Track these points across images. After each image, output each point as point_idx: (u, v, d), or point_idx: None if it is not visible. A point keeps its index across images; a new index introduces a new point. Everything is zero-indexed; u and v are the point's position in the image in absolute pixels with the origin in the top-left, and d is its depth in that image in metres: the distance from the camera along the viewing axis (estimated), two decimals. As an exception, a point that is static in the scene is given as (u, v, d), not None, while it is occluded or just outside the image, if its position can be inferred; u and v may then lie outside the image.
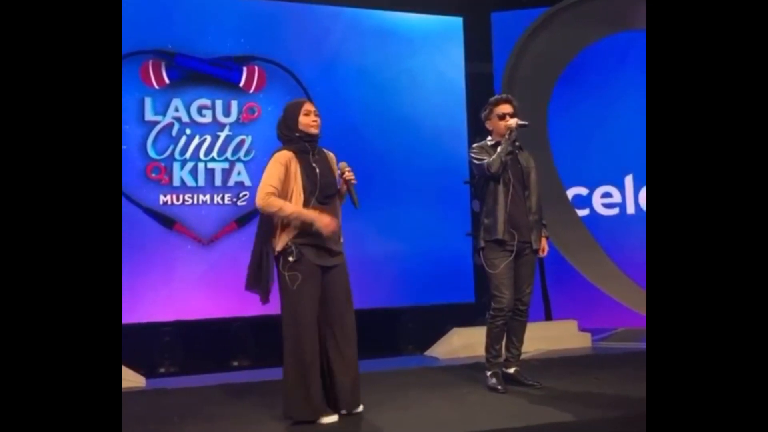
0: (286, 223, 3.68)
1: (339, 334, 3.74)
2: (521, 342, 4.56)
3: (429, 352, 6.23)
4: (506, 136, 4.38)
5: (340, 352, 3.73)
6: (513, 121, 4.40)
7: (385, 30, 7.23)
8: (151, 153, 6.29)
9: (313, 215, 3.63)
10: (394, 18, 7.29)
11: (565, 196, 7.28)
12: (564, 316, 6.83)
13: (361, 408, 3.82)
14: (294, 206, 3.64)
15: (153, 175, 6.28)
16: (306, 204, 3.68)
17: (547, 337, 6.09)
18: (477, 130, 6.98)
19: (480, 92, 7.21)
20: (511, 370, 4.51)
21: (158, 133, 6.33)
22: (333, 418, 3.66)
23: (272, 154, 3.80)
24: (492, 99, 4.61)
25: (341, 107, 6.89)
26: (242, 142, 6.57)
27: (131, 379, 5.12)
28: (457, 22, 7.47)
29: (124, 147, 6.13)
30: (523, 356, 4.68)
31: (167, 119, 6.36)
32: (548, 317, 7.08)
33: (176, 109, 6.40)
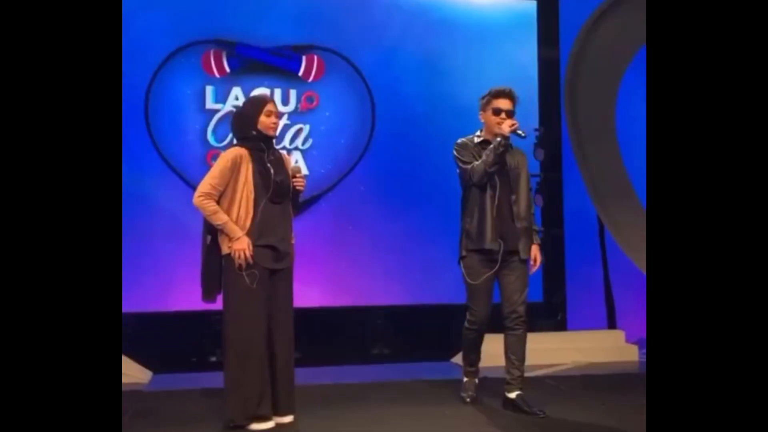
0: (239, 224, 3.68)
1: (281, 338, 3.75)
2: (522, 360, 4.06)
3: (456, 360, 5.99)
4: (494, 144, 4.01)
5: (281, 356, 3.74)
6: (507, 127, 4.02)
7: (450, 17, 6.98)
8: (212, 140, 6.47)
9: (236, 235, 3.62)
10: (460, 4, 7.03)
11: (634, 194, 6.83)
12: (629, 325, 6.47)
13: (291, 418, 3.80)
14: (226, 218, 3.65)
15: (213, 162, 6.43)
16: (256, 203, 3.71)
17: (586, 349, 5.78)
18: (544, 119, 6.70)
19: (551, 79, 6.91)
20: (513, 395, 4.04)
21: (218, 121, 6.48)
22: (268, 425, 3.66)
23: (225, 150, 3.87)
24: (493, 89, 4.23)
25: (402, 97, 6.81)
26: (300, 130, 6.63)
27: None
28: (531, 7, 7.11)
29: (184, 135, 6.39)
30: (556, 369, 4.31)
31: (227, 107, 6.49)
32: (612, 326, 6.73)
33: (236, 98, 6.50)
